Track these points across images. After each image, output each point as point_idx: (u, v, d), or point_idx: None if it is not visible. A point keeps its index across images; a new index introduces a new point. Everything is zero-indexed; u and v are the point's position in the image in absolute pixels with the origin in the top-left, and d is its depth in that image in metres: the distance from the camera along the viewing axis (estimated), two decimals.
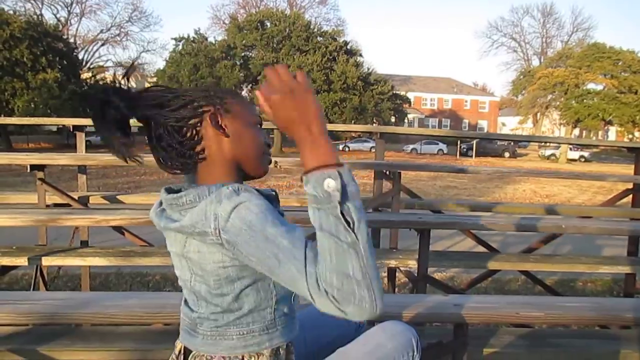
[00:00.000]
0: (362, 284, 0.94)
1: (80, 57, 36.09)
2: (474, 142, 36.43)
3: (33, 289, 3.42)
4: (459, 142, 37.48)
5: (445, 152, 40.46)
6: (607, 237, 7.66)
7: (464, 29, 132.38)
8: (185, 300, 1.30)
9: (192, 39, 32.82)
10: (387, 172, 3.81)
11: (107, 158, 3.23)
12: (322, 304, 0.96)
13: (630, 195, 4.38)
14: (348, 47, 34.88)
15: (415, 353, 1.43)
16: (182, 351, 1.28)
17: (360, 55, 35.84)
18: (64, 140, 31.80)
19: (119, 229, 3.25)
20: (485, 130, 61.28)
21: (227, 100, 1.23)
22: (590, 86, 42.67)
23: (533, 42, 78.24)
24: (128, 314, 1.89)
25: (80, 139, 3.75)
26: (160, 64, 68.02)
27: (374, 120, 35.38)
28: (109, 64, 42.89)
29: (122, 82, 1.17)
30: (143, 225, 2.53)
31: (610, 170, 28.86)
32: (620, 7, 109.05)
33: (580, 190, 18.32)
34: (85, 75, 33.60)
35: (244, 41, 32.55)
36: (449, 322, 2.15)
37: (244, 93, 35.96)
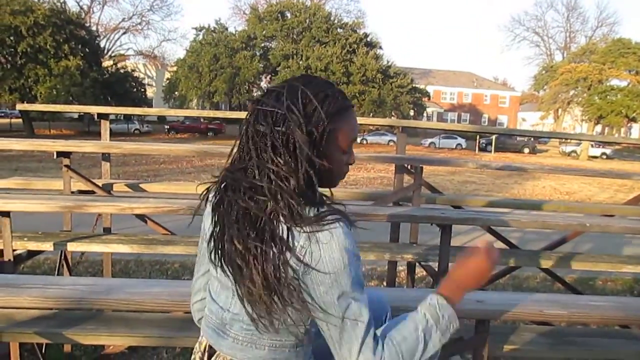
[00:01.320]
0: None
1: (102, 45, 36.45)
2: (493, 137, 36.08)
3: (57, 274, 3.47)
4: (478, 137, 37.14)
5: (463, 147, 40.12)
6: (630, 236, 7.57)
7: (485, 23, 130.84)
8: (212, 297, 1.27)
9: (212, 28, 32.94)
10: (409, 167, 3.80)
11: (131, 146, 3.26)
12: None
13: None
14: (368, 39, 34.76)
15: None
16: (206, 349, 1.28)
17: (380, 47, 35.71)
18: (85, 128, 32.21)
19: (141, 217, 3.28)
20: (505, 126, 60.67)
21: (332, 126, 1.14)
22: (614, 82, 41.93)
23: (556, 37, 77.26)
24: (153, 301, 1.91)
25: (105, 126, 3.79)
26: (181, 53, 68.44)
27: (393, 114, 35.24)
28: (130, 52, 43.28)
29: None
30: (167, 214, 2.55)
31: (633, 168, 28.41)
32: None
33: (601, 188, 18.09)
34: (107, 63, 33.92)
35: (264, 32, 32.62)
36: (471, 317, 2.13)
37: (263, 84, 36.03)
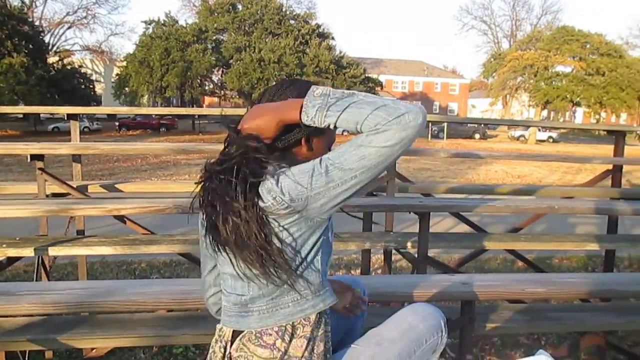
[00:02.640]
0: (388, 105, 1.15)
1: (46, 40, 35.14)
2: (445, 124, 36.84)
3: (35, 280, 3.42)
4: (430, 125, 37.84)
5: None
6: (579, 216, 7.97)
7: (435, 12, 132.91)
8: (227, 291, 1.36)
9: (162, 22, 32.29)
10: None
11: (108, 147, 3.25)
12: (389, 136, 1.14)
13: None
14: (320, 30, 34.80)
15: (443, 333, 1.54)
16: (229, 336, 1.34)
17: (333, 38, 35.85)
18: (31, 127, 31.04)
19: (120, 218, 3.26)
20: (456, 113, 62.02)
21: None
22: (559, 68, 43.53)
23: (503, 25, 79.46)
24: (155, 301, 1.94)
25: (75, 127, 3.73)
26: (129, 48, 66.68)
27: None
28: (76, 47, 41.87)
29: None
30: (153, 213, 2.57)
31: (578, 150, 29.60)
32: None
33: (550, 170, 18.80)
34: (52, 59, 32.76)
35: (215, 24, 32.19)
36: (458, 299, 2.26)
37: (214, 78, 35.62)
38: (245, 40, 31.37)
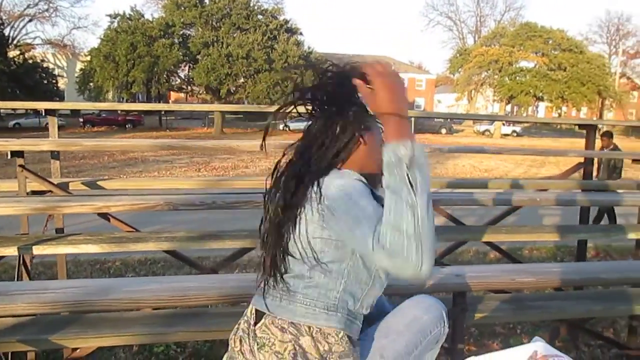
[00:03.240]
0: (412, 241, 1.11)
1: (6, 33, 34.03)
2: (412, 119, 37.16)
3: (17, 279, 3.34)
4: None
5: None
6: (548, 207, 8.20)
7: (401, 7, 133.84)
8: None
9: (128, 16, 31.62)
10: None
11: (90, 143, 3.20)
12: (378, 258, 1.16)
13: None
14: (288, 25, 34.64)
15: (445, 324, 1.60)
16: (253, 312, 1.46)
17: (301, 34, 35.76)
18: None
19: (104, 215, 3.21)
20: (423, 108, 62.64)
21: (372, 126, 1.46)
22: (523, 64, 44.43)
23: (468, 21, 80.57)
24: (155, 298, 1.94)
25: (53, 123, 3.65)
26: (93, 42, 65.09)
27: None
28: (38, 41, 40.68)
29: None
30: (143, 210, 2.55)
31: (541, 144, 30.31)
32: None
33: (515, 164, 19.24)
34: (13, 53, 31.79)
35: (182, 19, 31.68)
36: (451, 290, 2.31)
37: (182, 73, 35.15)
38: (213, 36, 30.99)
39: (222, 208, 2.51)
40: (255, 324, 1.43)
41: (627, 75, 58.12)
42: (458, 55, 48.65)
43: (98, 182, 3.50)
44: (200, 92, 34.73)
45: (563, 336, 3.53)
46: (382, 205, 1.20)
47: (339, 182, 1.32)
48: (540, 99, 44.72)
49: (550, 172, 16.97)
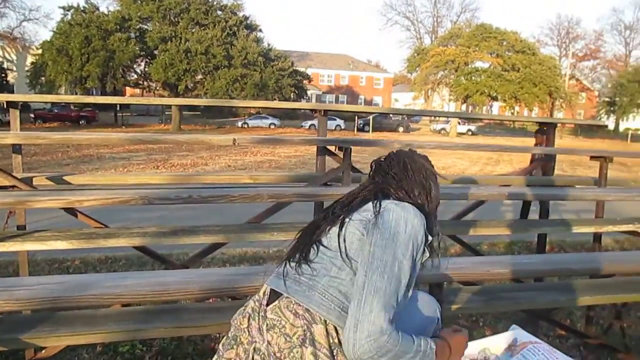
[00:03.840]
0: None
1: None
2: (371, 117, 37.57)
3: None
4: (356, 118, 38.48)
5: (342, 127, 41.52)
6: (504, 204, 8.45)
7: (360, 6, 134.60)
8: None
9: (82, 8, 30.69)
10: (335, 148, 3.96)
11: (58, 136, 3.11)
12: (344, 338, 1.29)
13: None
14: (248, 22, 34.40)
15: (439, 320, 1.64)
16: (267, 292, 1.47)
17: (260, 30, 35.59)
18: None
19: (71, 211, 3.13)
20: (380, 106, 63.39)
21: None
22: (478, 64, 45.52)
23: (425, 21, 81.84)
24: (135, 293, 1.90)
25: (15, 116, 3.51)
26: (45, 35, 63.05)
27: (275, 97, 35.42)
28: None
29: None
30: (118, 205, 2.49)
31: (495, 142, 31.09)
32: None
33: (471, 162, 19.70)
34: None
35: (139, 13, 30.98)
36: (428, 282, 2.35)
37: (138, 69, 34.42)
38: (171, 31, 30.43)
39: (197, 202, 2.48)
40: (268, 304, 1.43)
41: (576, 77, 60.36)
42: (416, 54, 49.37)
43: (64, 177, 3.40)
44: (158, 88, 34.06)
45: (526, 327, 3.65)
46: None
47: (399, 212, 1.41)
48: (495, 98, 45.92)
49: (505, 170, 17.47)
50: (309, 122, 41.82)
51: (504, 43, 44.19)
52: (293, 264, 1.46)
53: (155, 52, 31.09)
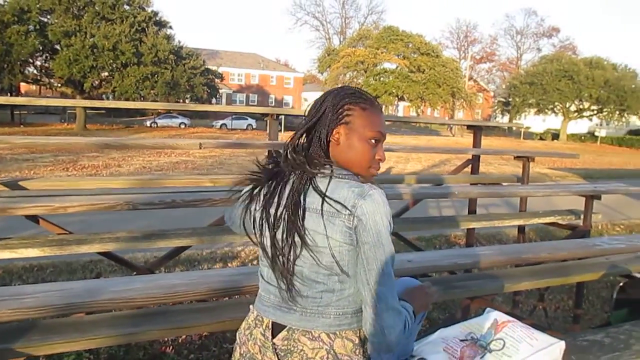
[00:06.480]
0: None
1: None
2: (282, 117, 37.81)
3: None
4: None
5: (254, 127, 41.56)
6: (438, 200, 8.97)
7: (269, 5, 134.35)
8: (267, 280, 1.49)
9: None
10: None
11: (22, 141, 3.05)
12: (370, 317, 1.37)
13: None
14: (157, 18, 33.37)
15: (424, 316, 1.84)
16: (269, 326, 1.45)
17: (171, 27, 34.66)
18: None
19: (32, 218, 3.07)
20: (291, 106, 63.82)
21: (352, 115, 1.45)
22: (386, 65, 47.22)
23: (334, 22, 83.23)
24: (147, 296, 1.98)
25: None
26: None
27: (187, 96, 34.70)
28: None
29: None
30: (104, 210, 2.53)
31: (404, 141, 32.38)
32: None
33: (396, 162, 20.43)
34: None
35: (39, 4, 29.03)
36: (403, 276, 2.59)
37: (39, 62, 32.37)
38: (75, 24, 28.81)
39: (180, 206, 2.57)
40: (274, 335, 1.44)
41: (474, 78, 64.18)
42: (326, 55, 50.33)
43: (20, 183, 3.32)
44: (60, 85, 32.17)
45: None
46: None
47: (371, 209, 1.35)
48: (402, 98, 47.84)
49: (415, 168, 18.37)
50: (220, 122, 41.48)
51: (410, 45, 46.23)
52: (291, 294, 1.41)
53: (58, 46, 29.37)
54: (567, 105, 49.32)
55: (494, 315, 2.05)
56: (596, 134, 48.94)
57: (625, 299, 3.24)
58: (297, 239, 1.37)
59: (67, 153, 17.18)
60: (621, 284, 3.33)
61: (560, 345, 1.86)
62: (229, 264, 5.61)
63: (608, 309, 4.58)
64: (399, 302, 1.40)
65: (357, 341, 1.42)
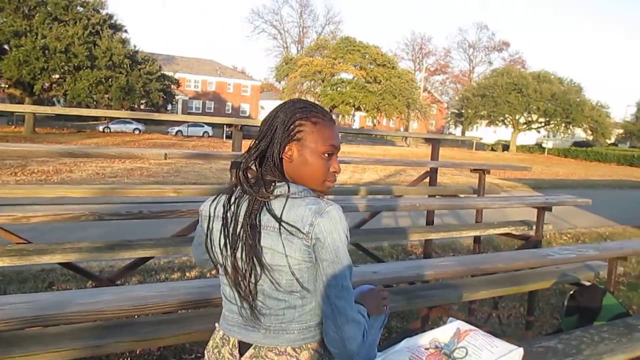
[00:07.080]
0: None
1: None
2: (240, 125, 37.50)
3: None
4: (224, 126, 38.27)
5: (210, 134, 41.17)
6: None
7: (227, 12, 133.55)
8: (229, 299, 1.50)
9: None
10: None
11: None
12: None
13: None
14: (112, 21, 32.69)
15: (383, 323, 1.91)
16: (235, 345, 1.47)
17: (126, 31, 34.02)
18: None
19: None
20: (248, 114, 63.59)
21: (303, 130, 1.44)
22: (344, 75, 47.68)
23: (291, 31, 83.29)
24: (116, 308, 1.97)
25: None
26: None
27: (142, 102, 34.08)
28: None
29: None
30: (68, 220, 2.50)
31: (360, 151, 32.75)
32: (364, 5, 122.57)
33: (362, 171, 20.60)
34: None
35: None
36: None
37: None
38: (26, 25, 27.88)
39: (148, 218, 2.56)
40: (241, 354, 1.46)
41: (428, 90, 65.63)
42: (284, 63, 50.38)
43: None
44: (8, 86, 31.01)
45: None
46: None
47: (328, 227, 1.36)
48: (358, 109, 48.38)
49: (371, 178, 18.60)
50: (176, 128, 40.94)
51: (367, 56, 46.84)
52: (246, 307, 1.44)
53: (7, 47, 28.35)
54: (517, 118, 51.00)
55: (456, 325, 2.13)
56: (543, 145, 50.83)
57: (575, 306, 3.41)
58: (256, 260, 1.38)
59: (14, 157, 16.56)
60: (571, 292, 3.49)
61: (519, 351, 1.96)
62: (187, 274, 5.57)
63: (558, 315, 4.78)
64: (356, 311, 1.44)
65: (322, 352, 1.45)
